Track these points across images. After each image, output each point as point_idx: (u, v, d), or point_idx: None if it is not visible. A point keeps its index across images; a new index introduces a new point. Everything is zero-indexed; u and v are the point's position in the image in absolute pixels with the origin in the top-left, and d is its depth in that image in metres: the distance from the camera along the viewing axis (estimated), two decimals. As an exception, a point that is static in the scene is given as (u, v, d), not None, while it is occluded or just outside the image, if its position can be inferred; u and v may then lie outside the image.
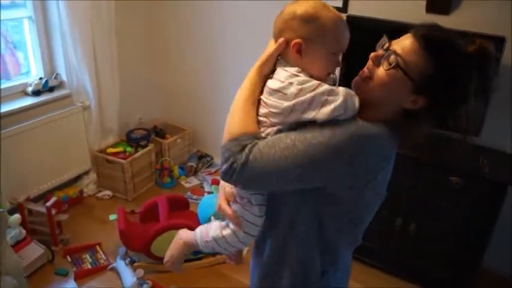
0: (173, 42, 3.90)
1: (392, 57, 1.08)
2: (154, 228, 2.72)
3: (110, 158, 3.50)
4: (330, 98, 1.05)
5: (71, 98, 3.39)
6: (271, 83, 1.13)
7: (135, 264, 2.78)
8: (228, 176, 1.08)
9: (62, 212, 3.14)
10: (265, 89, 1.14)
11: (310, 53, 1.13)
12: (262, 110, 1.14)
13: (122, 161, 3.44)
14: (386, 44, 1.12)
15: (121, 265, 2.77)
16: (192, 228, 2.68)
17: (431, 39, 1.06)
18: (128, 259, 2.81)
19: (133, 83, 3.85)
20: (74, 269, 2.80)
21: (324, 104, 1.05)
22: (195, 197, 3.60)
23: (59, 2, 3.06)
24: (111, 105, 3.61)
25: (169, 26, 3.86)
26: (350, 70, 2.80)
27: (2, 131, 2.87)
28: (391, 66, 1.07)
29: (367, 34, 2.66)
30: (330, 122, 1.04)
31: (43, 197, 3.23)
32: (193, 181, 3.89)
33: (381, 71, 1.10)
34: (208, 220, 2.78)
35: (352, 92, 1.09)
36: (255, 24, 3.32)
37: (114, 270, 2.81)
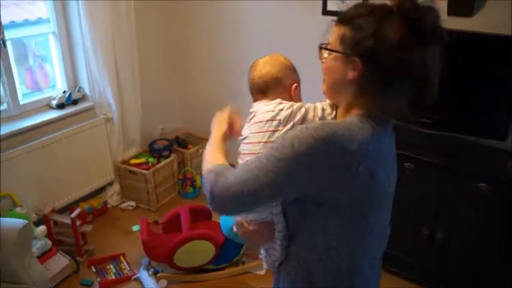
0: (194, 52, 3.93)
1: (321, 50, 1.18)
2: (177, 238, 2.73)
3: (133, 169, 3.53)
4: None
5: (93, 111, 3.44)
6: (261, 117, 1.29)
7: (159, 274, 2.79)
8: (209, 205, 1.15)
9: (87, 223, 3.18)
10: (252, 127, 1.30)
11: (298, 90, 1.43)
12: (246, 147, 1.30)
13: (144, 171, 3.46)
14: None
15: (144, 275, 2.78)
16: (214, 239, 2.68)
17: (344, 12, 1.13)
18: (151, 270, 2.82)
19: (155, 94, 3.89)
20: (99, 279, 2.83)
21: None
22: (217, 206, 3.59)
23: (81, 17, 3.12)
24: (133, 116, 3.65)
25: (190, 37, 3.89)
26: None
27: (25, 145, 2.94)
28: (322, 56, 1.18)
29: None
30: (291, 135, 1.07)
31: (68, 209, 3.27)
32: (216, 191, 3.87)
33: (322, 67, 1.19)
34: (231, 230, 2.79)
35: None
36: (278, 36, 3.32)
37: (138, 280, 2.83)
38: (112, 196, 3.63)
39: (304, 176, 1.05)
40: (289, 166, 1.04)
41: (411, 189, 2.54)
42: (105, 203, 3.54)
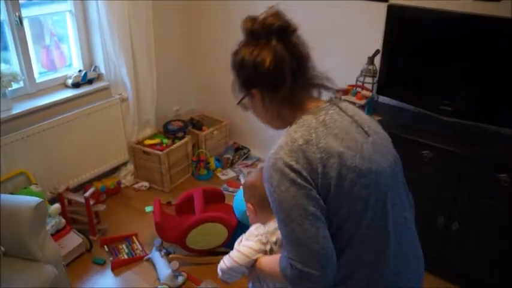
0: (210, 33, 3.88)
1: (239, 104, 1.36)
2: (190, 220, 2.72)
3: (147, 149, 3.53)
4: None
5: (109, 90, 3.43)
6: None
7: (171, 256, 2.80)
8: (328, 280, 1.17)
9: (100, 202, 3.20)
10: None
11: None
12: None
13: (158, 152, 3.46)
14: None
15: (156, 256, 2.79)
16: (227, 221, 2.68)
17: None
18: (164, 251, 2.83)
19: (171, 75, 3.87)
20: (111, 258, 2.85)
21: None
22: (231, 189, 3.59)
23: (98, -4, 3.10)
24: (149, 97, 3.63)
25: (206, 17, 3.84)
26: (391, 60, 2.71)
27: (41, 123, 2.94)
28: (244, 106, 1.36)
29: (409, 24, 2.57)
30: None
31: (82, 188, 3.30)
32: (230, 173, 3.88)
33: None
34: (244, 213, 2.77)
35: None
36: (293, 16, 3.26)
37: (150, 261, 2.84)
38: (126, 176, 3.64)
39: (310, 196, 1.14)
40: (296, 202, 1.13)
41: (429, 177, 2.50)
42: (119, 183, 3.55)
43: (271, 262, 1.35)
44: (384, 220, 1.22)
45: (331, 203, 1.16)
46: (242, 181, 3.72)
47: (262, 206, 1.58)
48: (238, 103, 1.33)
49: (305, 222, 1.12)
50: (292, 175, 1.13)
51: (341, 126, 1.21)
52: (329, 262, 1.14)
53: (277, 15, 1.21)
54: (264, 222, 1.58)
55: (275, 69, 1.19)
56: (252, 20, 1.22)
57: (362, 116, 1.31)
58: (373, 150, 1.22)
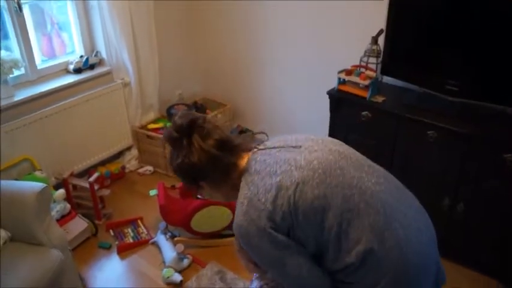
0: (212, 16, 3.84)
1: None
2: (194, 203, 2.73)
3: (151, 133, 3.53)
4: None
5: (111, 75, 3.41)
6: None
7: (176, 239, 2.81)
8: None
9: (105, 187, 3.21)
10: None
11: None
12: None
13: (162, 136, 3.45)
14: None
15: (162, 240, 2.81)
16: (231, 204, 2.69)
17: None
18: (169, 234, 2.84)
19: (173, 59, 3.83)
20: (117, 242, 2.87)
21: None
22: (235, 172, 3.58)
23: (97, -21, 3.06)
24: (151, 81, 3.61)
25: (208, 2, 3.80)
26: (395, 40, 2.66)
27: (44, 109, 2.94)
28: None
29: (413, 2, 2.53)
30: None
31: (86, 173, 3.30)
32: (233, 157, 3.86)
33: None
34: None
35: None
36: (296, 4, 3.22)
37: (155, 244, 2.86)
38: (130, 161, 3.65)
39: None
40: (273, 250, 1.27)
41: (434, 158, 2.48)
42: (123, 167, 3.56)
43: None
44: (363, 203, 1.24)
45: (303, 227, 1.25)
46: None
47: None
48: (196, 196, 1.53)
49: (287, 268, 1.27)
50: (255, 234, 1.26)
51: (270, 162, 1.31)
52: (326, 284, 1.30)
53: (181, 117, 1.33)
54: None
55: (206, 159, 1.31)
56: (168, 131, 1.35)
57: (285, 138, 1.43)
58: (308, 154, 1.31)
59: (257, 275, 1.69)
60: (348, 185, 1.24)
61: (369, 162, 1.38)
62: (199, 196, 1.53)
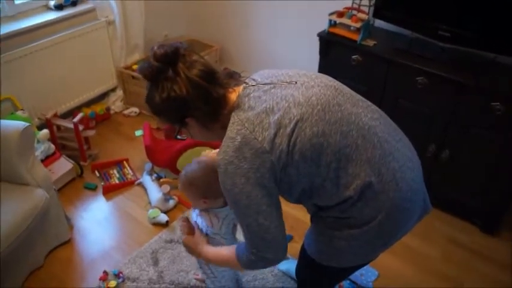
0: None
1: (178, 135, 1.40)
2: (180, 144, 2.72)
3: (136, 74, 3.45)
4: None
5: (94, 13, 3.29)
6: None
7: (161, 180, 2.81)
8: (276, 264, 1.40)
9: (90, 128, 3.17)
10: None
11: None
12: None
13: (148, 77, 3.37)
14: None
15: (147, 181, 2.81)
16: (216, 144, 2.70)
17: (150, 108, 1.32)
18: (155, 175, 2.84)
19: (159, -3, 3.69)
20: (102, 183, 2.87)
21: None
22: (222, 115, 3.55)
23: None
24: (136, 20, 3.49)
25: None
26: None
27: (25, 47, 2.83)
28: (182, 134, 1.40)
29: None
30: None
31: (71, 114, 3.25)
32: (221, 99, 3.82)
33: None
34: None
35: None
36: None
37: (141, 185, 2.86)
38: (115, 102, 3.59)
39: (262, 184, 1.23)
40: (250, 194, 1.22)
41: (422, 104, 2.47)
42: (108, 108, 3.50)
43: (221, 253, 1.52)
44: (358, 135, 1.24)
45: (298, 165, 1.22)
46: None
47: (211, 194, 1.63)
48: (176, 136, 1.40)
49: (259, 217, 1.24)
50: (242, 174, 1.20)
51: (266, 98, 1.25)
52: (280, 247, 1.31)
53: (162, 46, 1.23)
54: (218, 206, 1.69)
55: (194, 90, 1.22)
56: (147, 63, 1.24)
57: (274, 73, 1.35)
58: (305, 90, 1.26)
59: (198, 211, 1.73)
60: (346, 121, 1.24)
61: (363, 98, 1.36)
62: (179, 137, 1.43)
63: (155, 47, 1.23)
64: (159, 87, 1.23)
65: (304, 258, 1.55)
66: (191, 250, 1.65)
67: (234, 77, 1.34)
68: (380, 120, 1.31)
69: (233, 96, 1.30)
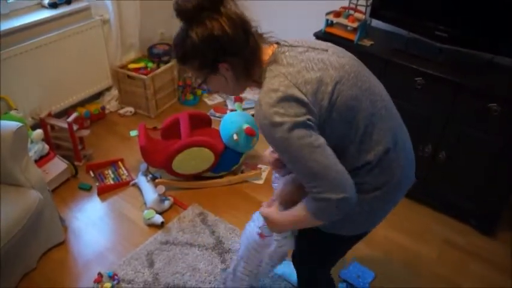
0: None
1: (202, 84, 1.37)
2: (176, 145, 2.69)
3: (131, 73, 3.42)
4: None
5: (89, 11, 3.26)
6: None
7: (157, 180, 2.79)
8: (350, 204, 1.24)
9: (84, 128, 3.14)
10: None
11: None
12: None
13: (143, 76, 3.36)
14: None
15: (142, 181, 2.79)
16: (213, 146, 2.67)
17: (178, 56, 1.29)
18: (150, 176, 2.82)
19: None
20: (97, 184, 2.84)
21: None
22: (218, 114, 3.54)
23: None
24: (132, 19, 3.46)
25: None
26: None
27: (19, 45, 2.80)
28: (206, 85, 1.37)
29: None
30: None
31: (65, 114, 3.22)
32: (217, 99, 3.81)
33: (213, 89, 1.43)
34: (231, 138, 2.76)
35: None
36: None
37: (136, 185, 2.84)
38: (110, 101, 3.56)
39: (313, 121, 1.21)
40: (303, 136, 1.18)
41: (420, 105, 2.46)
42: (103, 108, 3.48)
43: (290, 215, 1.37)
44: (382, 107, 1.33)
45: (333, 124, 1.24)
46: (229, 107, 3.65)
47: None
48: (201, 85, 1.36)
49: (315, 155, 1.18)
50: (289, 120, 1.17)
51: (303, 58, 1.27)
52: (347, 182, 1.20)
53: None
54: None
55: (235, 33, 1.20)
56: (184, 1, 1.19)
57: (308, 41, 1.38)
58: (337, 58, 1.31)
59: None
60: (372, 91, 1.32)
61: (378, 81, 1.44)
62: (205, 88, 1.37)
63: None
64: (199, 25, 1.19)
65: (305, 236, 1.57)
66: (271, 221, 1.50)
67: (263, 35, 1.34)
68: (388, 96, 1.41)
69: (268, 51, 1.30)
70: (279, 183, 1.66)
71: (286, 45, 1.32)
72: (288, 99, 1.18)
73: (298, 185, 1.51)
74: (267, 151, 1.69)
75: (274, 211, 1.47)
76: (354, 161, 1.30)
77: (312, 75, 1.22)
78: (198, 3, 1.18)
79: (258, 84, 1.30)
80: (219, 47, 1.21)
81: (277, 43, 1.33)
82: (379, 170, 1.32)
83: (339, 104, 1.23)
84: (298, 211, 1.31)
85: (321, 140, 1.20)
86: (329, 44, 1.39)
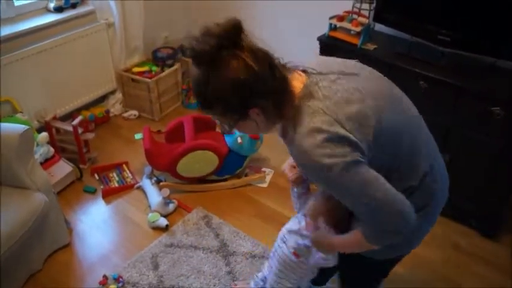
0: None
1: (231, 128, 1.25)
2: (180, 148, 2.71)
3: (136, 77, 3.44)
4: None
5: (94, 15, 3.28)
6: None
7: (161, 183, 2.81)
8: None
9: (89, 131, 3.16)
10: None
11: None
12: None
13: (147, 80, 3.38)
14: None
15: (147, 184, 2.80)
16: (217, 149, 2.68)
17: (201, 103, 1.18)
18: (154, 178, 2.83)
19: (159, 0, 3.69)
20: (102, 186, 2.86)
21: None
22: (221, 118, 3.55)
23: None
24: (136, 22, 3.48)
25: None
26: None
27: (24, 49, 2.83)
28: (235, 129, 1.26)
29: None
30: None
31: (70, 117, 3.24)
32: (220, 103, 3.82)
33: (242, 131, 1.30)
34: (235, 142, 2.76)
35: None
36: None
37: (141, 189, 2.85)
38: (114, 105, 3.58)
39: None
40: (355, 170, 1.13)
41: (422, 108, 2.44)
42: (107, 111, 3.50)
43: (347, 239, 1.36)
44: (414, 129, 1.32)
45: (379, 155, 1.20)
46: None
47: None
48: (229, 132, 1.33)
49: (371, 191, 1.14)
50: (340, 161, 1.11)
51: (338, 88, 1.18)
52: (407, 209, 1.17)
53: (220, 24, 1.10)
54: None
55: (261, 69, 1.10)
56: (200, 42, 1.08)
57: (332, 62, 1.31)
58: (371, 82, 1.25)
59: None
60: (409, 114, 1.31)
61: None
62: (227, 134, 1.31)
63: (212, 26, 1.09)
64: (221, 68, 1.08)
65: (348, 260, 1.50)
66: (320, 244, 1.50)
67: (287, 66, 1.23)
68: (417, 110, 1.40)
69: (297, 83, 1.20)
70: (304, 198, 1.68)
71: (315, 74, 1.22)
72: (333, 139, 1.11)
73: (327, 197, 1.54)
74: (285, 166, 1.66)
75: (323, 236, 1.46)
76: (397, 187, 1.22)
77: (352, 109, 1.15)
78: (217, 43, 1.07)
79: (293, 121, 1.19)
80: (247, 89, 1.10)
81: (304, 71, 1.23)
82: (420, 192, 1.30)
83: (383, 135, 1.18)
84: (354, 237, 1.30)
85: (373, 173, 1.15)
86: (357, 64, 1.33)
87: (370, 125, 1.16)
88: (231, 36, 1.08)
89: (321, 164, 1.12)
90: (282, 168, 1.68)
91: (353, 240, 1.31)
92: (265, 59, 1.13)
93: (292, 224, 1.68)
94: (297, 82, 1.20)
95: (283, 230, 1.71)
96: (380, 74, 1.33)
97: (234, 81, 1.09)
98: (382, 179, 1.16)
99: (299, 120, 1.16)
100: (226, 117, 1.20)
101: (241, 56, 1.09)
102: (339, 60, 1.33)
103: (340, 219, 1.50)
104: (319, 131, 1.12)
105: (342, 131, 1.12)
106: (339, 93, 1.17)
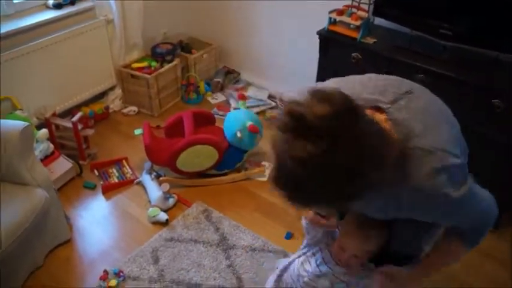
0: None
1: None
2: (180, 143, 2.71)
3: (135, 73, 3.44)
4: None
5: (93, 11, 3.27)
6: None
7: (161, 178, 2.81)
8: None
9: (89, 127, 3.16)
10: None
11: None
12: None
13: (147, 76, 3.37)
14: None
15: (147, 179, 2.81)
16: (217, 144, 2.68)
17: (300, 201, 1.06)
18: (154, 173, 2.84)
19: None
20: (101, 182, 2.86)
21: None
22: (221, 112, 3.55)
23: None
24: (135, 19, 3.47)
25: None
26: None
27: (23, 46, 2.82)
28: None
29: None
30: None
31: (69, 113, 3.23)
32: (220, 97, 3.82)
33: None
34: (235, 136, 2.77)
35: None
36: None
37: (141, 184, 2.86)
38: (114, 101, 3.58)
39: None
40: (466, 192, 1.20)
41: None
42: (107, 107, 3.49)
43: (441, 258, 1.48)
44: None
45: None
46: (232, 105, 3.66)
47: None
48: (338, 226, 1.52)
49: (481, 207, 1.27)
50: (464, 188, 1.19)
51: (417, 117, 1.18)
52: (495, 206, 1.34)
53: (318, 96, 0.97)
54: None
55: (379, 139, 1.02)
56: (320, 109, 0.91)
57: (384, 81, 1.32)
58: (428, 96, 1.35)
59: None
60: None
61: None
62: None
63: (313, 104, 0.92)
64: (338, 150, 0.90)
65: None
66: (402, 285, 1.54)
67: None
68: None
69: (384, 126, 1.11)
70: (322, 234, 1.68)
71: (389, 108, 1.16)
72: (451, 172, 1.13)
73: (359, 224, 1.52)
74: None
75: (399, 272, 1.52)
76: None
77: (449, 131, 1.22)
78: (335, 111, 0.92)
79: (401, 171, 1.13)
80: (355, 170, 0.94)
81: (377, 108, 1.16)
82: None
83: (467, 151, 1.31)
84: (453, 249, 1.41)
85: (476, 186, 1.28)
86: (405, 81, 1.33)
87: (463, 141, 1.32)
88: (348, 109, 0.98)
89: (453, 198, 1.15)
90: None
91: (452, 254, 1.42)
92: (378, 129, 1.07)
93: (310, 267, 1.66)
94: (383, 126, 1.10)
95: (300, 270, 1.69)
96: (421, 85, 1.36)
97: (346, 162, 0.97)
98: (477, 187, 1.27)
99: (411, 168, 1.11)
100: (331, 208, 1.39)
101: (364, 128, 1.01)
102: (390, 77, 1.34)
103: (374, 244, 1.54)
104: (437, 171, 1.11)
105: (454, 160, 1.15)
106: (423, 121, 1.16)
